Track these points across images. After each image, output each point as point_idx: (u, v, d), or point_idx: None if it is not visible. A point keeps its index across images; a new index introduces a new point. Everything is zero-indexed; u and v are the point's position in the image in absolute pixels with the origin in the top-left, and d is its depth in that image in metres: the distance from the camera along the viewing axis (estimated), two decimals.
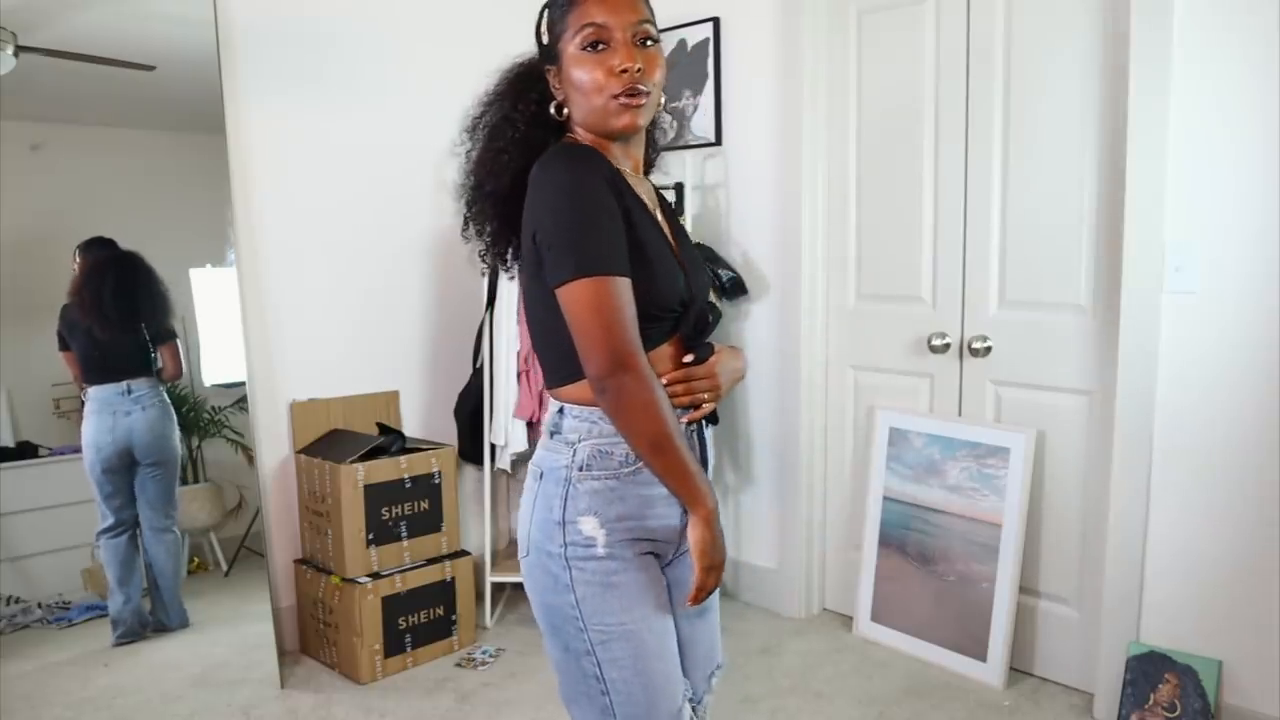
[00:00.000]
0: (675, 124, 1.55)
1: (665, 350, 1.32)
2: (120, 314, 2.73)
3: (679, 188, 3.08)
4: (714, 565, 1.28)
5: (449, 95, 3.16)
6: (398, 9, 3.06)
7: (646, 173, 1.46)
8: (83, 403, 2.69)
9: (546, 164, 1.26)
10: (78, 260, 2.67)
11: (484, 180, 1.37)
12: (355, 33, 2.97)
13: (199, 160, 2.77)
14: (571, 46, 1.28)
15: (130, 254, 2.72)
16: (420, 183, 3.17)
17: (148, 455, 2.75)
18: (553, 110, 1.34)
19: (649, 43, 1.29)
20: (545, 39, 1.33)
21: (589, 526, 1.29)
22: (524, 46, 1.43)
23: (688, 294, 1.32)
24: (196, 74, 2.65)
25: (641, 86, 1.26)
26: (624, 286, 1.21)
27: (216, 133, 2.69)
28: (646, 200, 1.34)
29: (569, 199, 1.22)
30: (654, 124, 1.43)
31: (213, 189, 2.73)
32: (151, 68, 2.64)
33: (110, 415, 2.69)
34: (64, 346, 2.66)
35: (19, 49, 2.48)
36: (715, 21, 3.12)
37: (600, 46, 1.26)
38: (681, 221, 1.40)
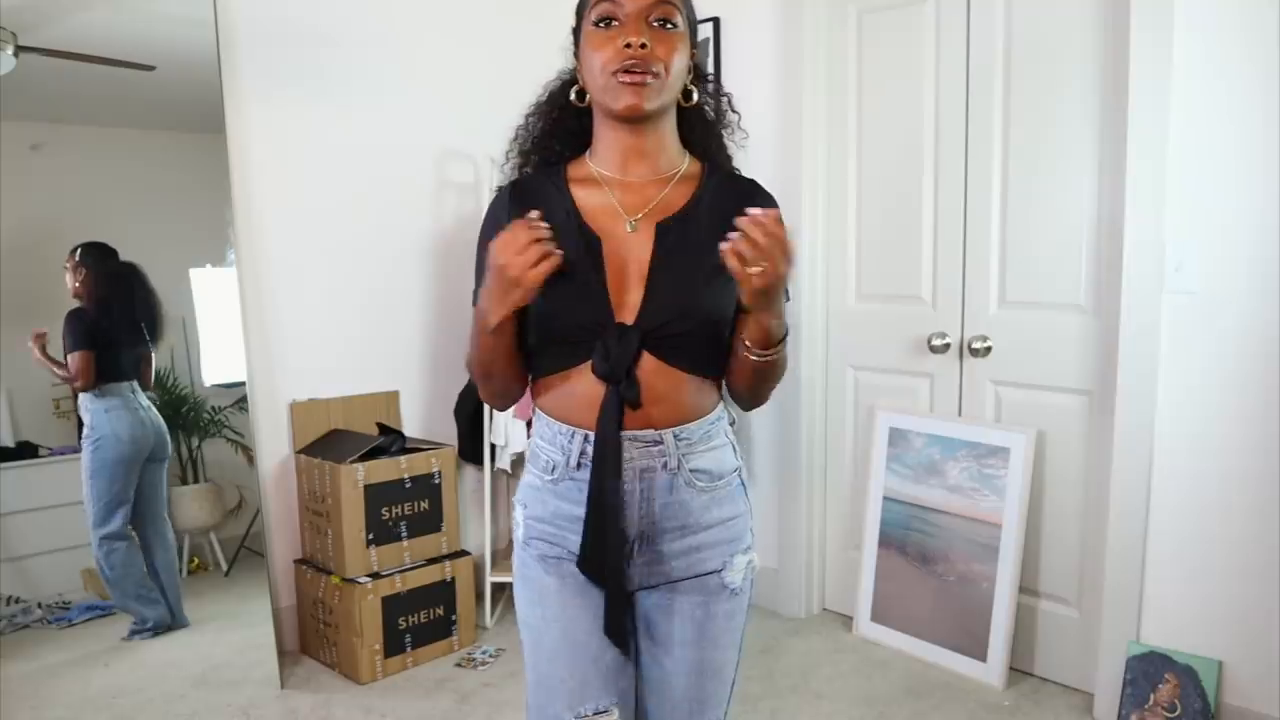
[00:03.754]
0: (726, 103, 1.44)
1: (568, 379, 1.25)
2: (138, 320, 2.83)
3: None
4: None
5: (449, 95, 3.20)
6: (398, 9, 3.06)
7: (707, 160, 1.38)
8: (76, 400, 2.73)
9: None
10: (81, 265, 2.69)
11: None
12: (355, 33, 2.97)
13: (199, 160, 2.77)
14: (587, 24, 1.25)
15: (134, 264, 2.79)
16: (420, 183, 3.17)
17: (161, 451, 2.82)
18: (573, 96, 1.31)
19: (668, 25, 1.23)
20: (574, 22, 1.30)
21: (518, 514, 1.36)
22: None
23: (590, 312, 1.22)
24: (196, 74, 2.64)
25: (651, 66, 1.20)
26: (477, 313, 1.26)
27: (216, 133, 2.69)
28: (590, 209, 1.27)
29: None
30: (691, 112, 1.36)
31: (213, 189, 2.73)
32: (151, 68, 2.64)
33: (132, 411, 2.76)
34: (76, 347, 2.68)
35: (19, 49, 2.48)
36: (715, 21, 3.12)
37: (612, 23, 1.22)
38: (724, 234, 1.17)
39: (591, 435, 1.24)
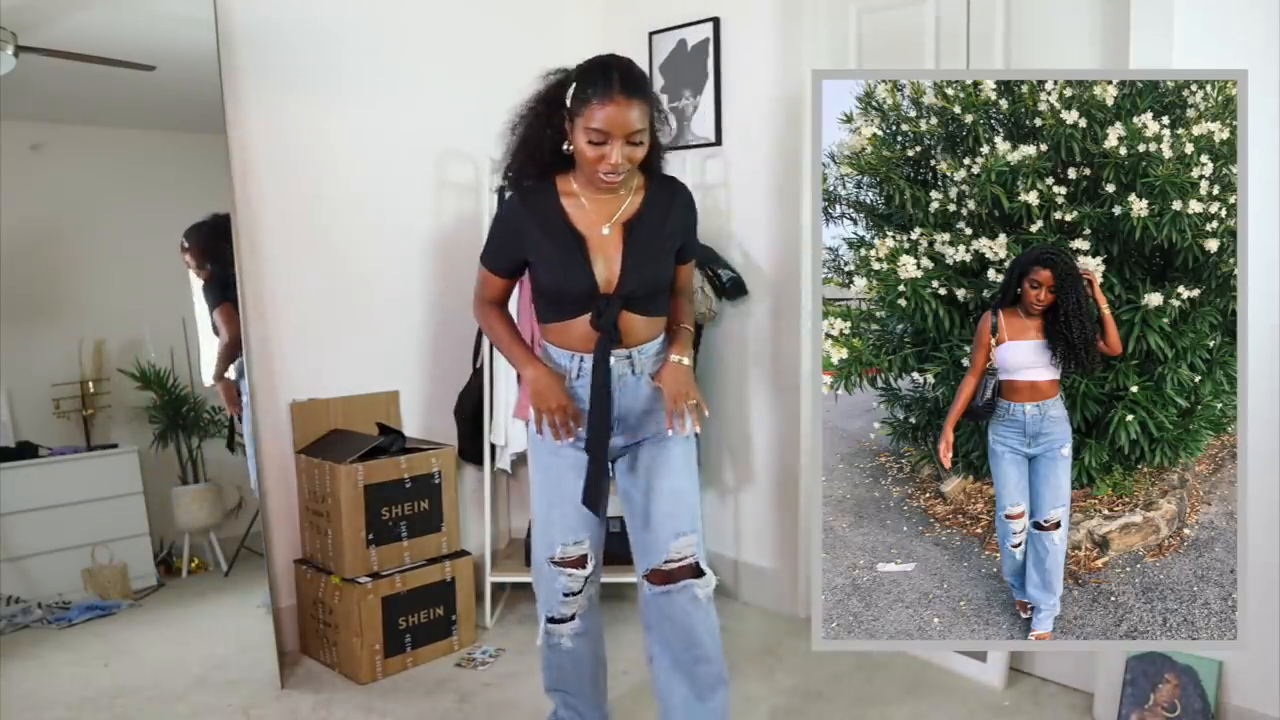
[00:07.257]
0: (673, 125, 1.94)
1: (567, 325, 1.93)
2: None
3: None
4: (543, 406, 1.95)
5: (449, 95, 3.20)
6: (397, 9, 3.06)
7: (652, 174, 1.98)
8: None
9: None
10: (194, 246, 2.82)
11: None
12: (355, 33, 2.97)
13: (199, 160, 2.77)
14: (580, 131, 1.79)
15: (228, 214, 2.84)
16: (420, 183, 3.17)
17: None
18: (565, 148, 1.86)
19: (638, 140, 1.81)
20: (569, 103, 1.81)
21: (531, 414, 2.00)
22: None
23: (583, 287, 1.88)
24: (196, 74, 2.64)
25: (624, 169, 1.82)
26: (485, 273, 2.04)
27: (216, 133, 2.69)
28: (576, 217, 1.90)
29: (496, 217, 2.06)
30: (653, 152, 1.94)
31: (213, 189, 2.73)
32: (151, 68, 2.64)
33: None
34: (220, 301, 2.80)
35: (19, 49, 2.48)
36: (715, 21, 3.12)
37: (601, 144, 1.79)
38: (668, 226, 1.97)
39: (585, 356, 1.93)
